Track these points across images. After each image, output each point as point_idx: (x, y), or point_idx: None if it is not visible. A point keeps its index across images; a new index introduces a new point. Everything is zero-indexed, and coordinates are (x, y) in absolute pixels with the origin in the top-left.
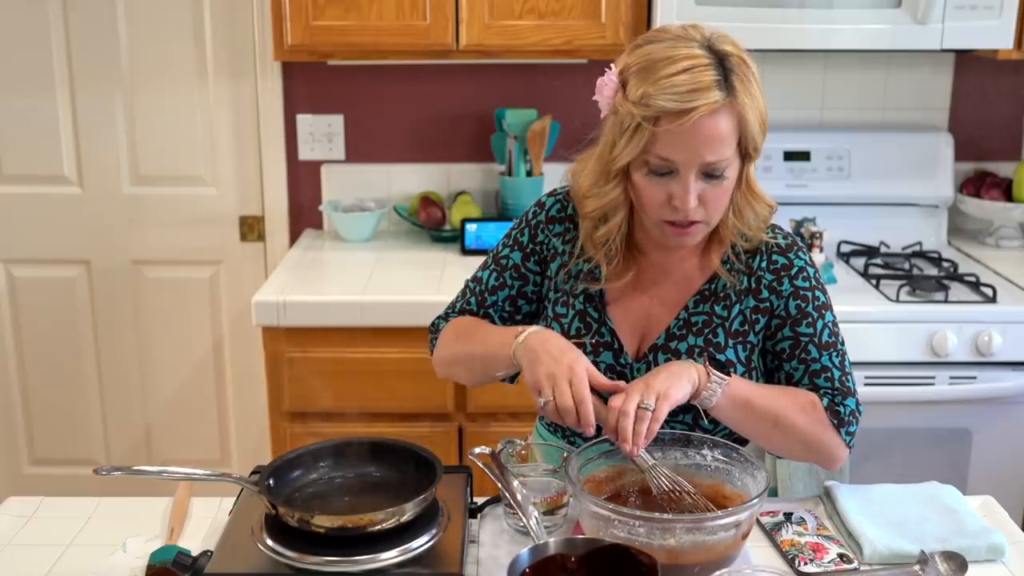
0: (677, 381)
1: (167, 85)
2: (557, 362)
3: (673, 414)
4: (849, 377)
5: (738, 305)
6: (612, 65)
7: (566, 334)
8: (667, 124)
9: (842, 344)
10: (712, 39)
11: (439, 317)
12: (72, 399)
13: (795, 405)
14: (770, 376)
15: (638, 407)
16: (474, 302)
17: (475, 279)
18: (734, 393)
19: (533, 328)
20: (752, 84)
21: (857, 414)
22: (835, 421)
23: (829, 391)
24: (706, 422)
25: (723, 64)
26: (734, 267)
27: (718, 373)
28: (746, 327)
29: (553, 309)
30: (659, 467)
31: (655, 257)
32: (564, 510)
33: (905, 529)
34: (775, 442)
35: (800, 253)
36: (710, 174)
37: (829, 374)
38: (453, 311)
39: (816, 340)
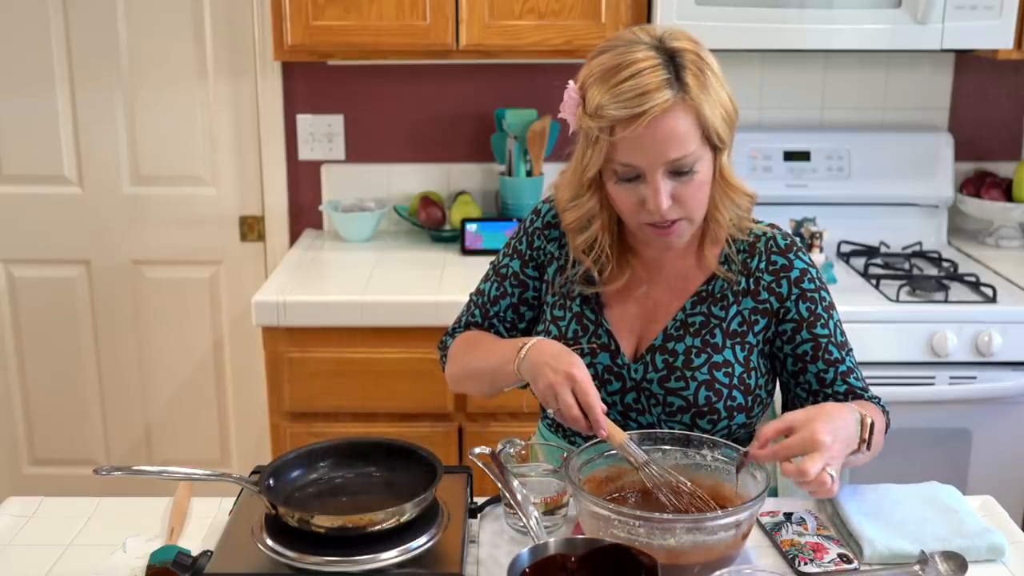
0: (846, 450)
1: (167, 84)
2: (555, 371)
3: (671, 414)
4: (862, 372)
5: (735, 306)
6: (572, 81)
7: (563, 336)
8: (622, 131)
9: (849, 342)
10: (664, 37)
11: (447, 334)
12: (72, 399)
13: (880, 431)
14: (795, 378)
15: (824, 470)
16: (478, 314)
17: (478, 291)
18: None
19: (532, 340)
20: (708, 77)
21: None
22: (886, 421)
23: (862, 390)
24: (704, 422)
25: (674, 61)
26: (732, 267)
27: (866, 449)
28: (744, 328)
29: (551, 312)
30: (652, 464)
31: (648, 259)
32: (564, 510)
33: (905, 529)
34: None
35: (800, 254)
36: (677, 171)
37: (856, 374)
38: (459, 326)
39: (834, 340)
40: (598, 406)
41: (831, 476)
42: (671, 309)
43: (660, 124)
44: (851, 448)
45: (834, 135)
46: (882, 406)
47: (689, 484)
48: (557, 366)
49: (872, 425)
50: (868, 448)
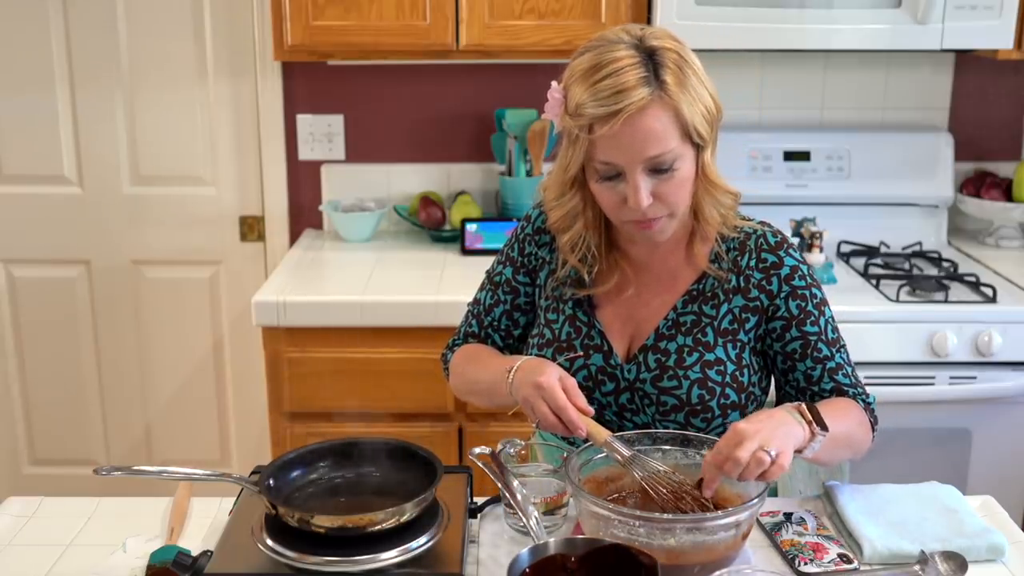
0: (788, 442)
1: (167, 85)
2: (526, 385)
3: (665, 413)
4: (855, 370)
5: (726, 304)
6: (556, 81)
7: (556, 339)
8: (600, 129)
9: (842, 338)
10: (645, 37)
11: (447, 347)
12: (72, 399)
13: (856, 423)
14: (785, 376)
15: (758, 449)
16: (475, 324)
17: (474, 301)
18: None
19: (520, 361)
20: (688, 75)
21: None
22: (872, 419)
23: (850, 387)
24: (698, 420)
25: (653, 59)
26: (722, 265)
27: (820, 431)
28: (735, 325)
29: (545, 316)
30: (639, 458)
31: (638, 258)
32: (564, 510)
33: (905, 529)
34: (835, 461)
35: (791, 251)
36: (657, 168)
37: (845, 371)
38: (459, 338)
39: (824, 337)
40: (568, 407)
41: (769, 453)
42: (662, 308)
43: (637, 121)
44: (796, 435)
45: (834, 135)
46: (867, 403)
47: (678, 476)
48: (528, 380)
49: (812, 409)
50: (823, 429)
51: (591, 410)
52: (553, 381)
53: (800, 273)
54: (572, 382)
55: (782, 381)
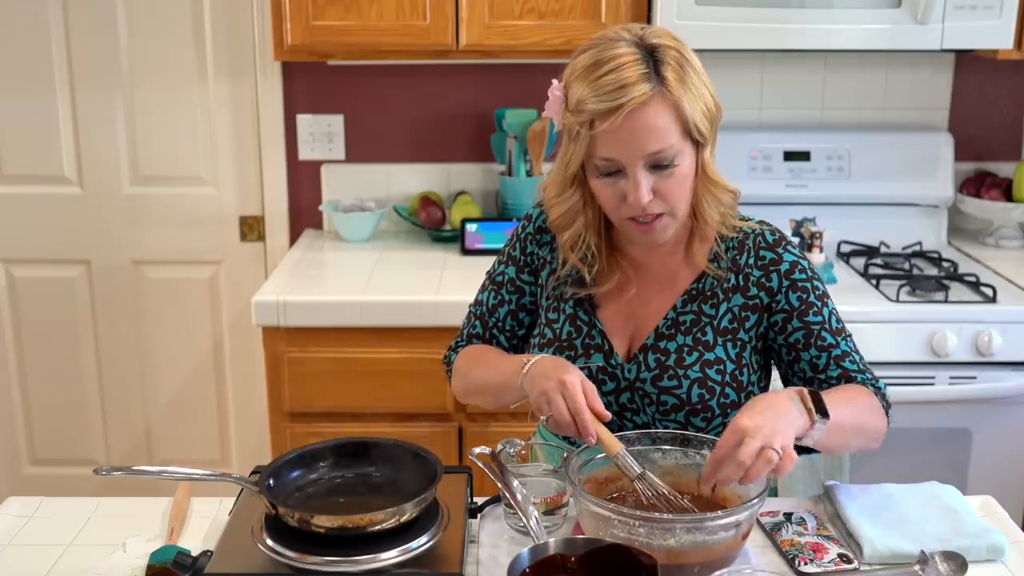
0: (790, 432)
1: (167, 85)
2: (548, 379)
3: (665, 413)
4: (863, 357)
5: (726, 303)
6: (556, 80)
7: (557, 339)
8: (601, 124)
9: (847, 329)
10: (645, 35)
11: (450, 349)
12: (72, 399)
13: (867, 408)
14: (791, 368)
15: (764, 448)
16: (479, 325)
17: (476, 303)
18: (829, 423)
19: (536, 357)
20: (689, 72)
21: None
22: (884, 404)
23: (857, 372)
24: (698, 420)
25: (653, 56)
26: (721, 264)
27: (820, 418)
28: (735, 324)
29: (545, 316)
30: (648, 477)
31: (637, 258)
32: (564, 510)
33: (905, 529)
34: (849, 448)
35: (789, 248)
36: (658, 165)
37: (852, 358)
38: (462, 339)
39: (827, 327)
40: (585, 410)
41: (776, 452)
42: (662, 308)
43: (638, 117)
44: (797, 424)
45: (834, 135)
46: (877, 387)
47: (685, 501)
48: (551, 374)
49: (815, 396)
50: (824, 416)
51: (608, 415)
52: (576, 381)
53: (800, 267)
54: (592, 387)
55: (789, 374)
